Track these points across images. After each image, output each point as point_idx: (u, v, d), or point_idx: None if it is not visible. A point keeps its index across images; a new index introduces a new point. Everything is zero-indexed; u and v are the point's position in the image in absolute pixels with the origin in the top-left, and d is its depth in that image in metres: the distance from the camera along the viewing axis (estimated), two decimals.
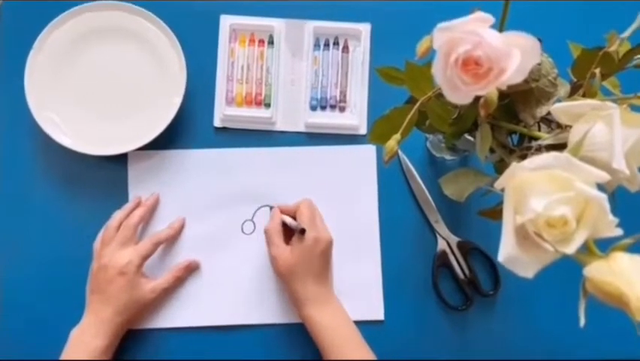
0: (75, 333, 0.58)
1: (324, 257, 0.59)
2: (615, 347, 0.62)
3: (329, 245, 0.59)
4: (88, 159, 0.62)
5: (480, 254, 0.64)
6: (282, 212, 0.61)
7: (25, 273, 0.63)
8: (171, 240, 0.63)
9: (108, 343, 0.57)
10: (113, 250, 0.59)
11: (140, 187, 0.64)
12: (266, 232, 0.60)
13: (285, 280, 0.59)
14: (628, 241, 0.32)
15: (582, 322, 0.31)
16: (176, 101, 0.62)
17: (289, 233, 0.60)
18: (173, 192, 0.64)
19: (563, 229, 0.31)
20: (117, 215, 0.62)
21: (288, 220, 0.60)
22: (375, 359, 0.57)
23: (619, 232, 0.31)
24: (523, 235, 0.33)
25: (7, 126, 0.65)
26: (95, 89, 0.64)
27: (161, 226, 0.64)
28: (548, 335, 0.63)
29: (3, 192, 0.64)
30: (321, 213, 0.63)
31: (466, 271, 0.63)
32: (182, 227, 0.64)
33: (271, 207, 0.64)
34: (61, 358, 0.56)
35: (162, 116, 0.62)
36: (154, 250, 0.61)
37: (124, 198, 0.64)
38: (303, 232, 0.57)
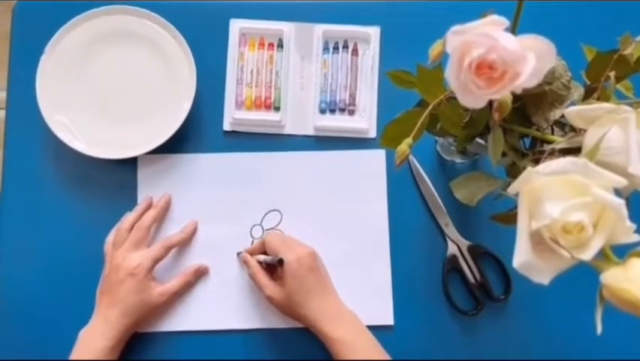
0: (83, 334, 0.58)
1: (314, 272, 0.58)
2: (629, 353, 0.61)
3: (313, 258, 0.58)
4: (98, 163, 0.63)
5: (491, 258, 0.63)
6: (252, 253, 0.61)
7: (36, 275, 0.63)
8: (183, 244, 0.63)
9: (114, 344, 0.57)
10: (126, 252, 0.59)
11: (149, 191, 0.64)
12: (250, 276, 0.60)
13: (289, 313, 0.59)
14: None
15: (599, 329, 0.31)
16: (186, 105, 0.62)
17: (272, 269, 0.60)
18: (182, 196, 0.64)
19: (580, 235, 0.30)
20: (128, 217, 0.62)
21: (262, 258, 0.60)
22: None
23: (636, 238, 0.31)
24: (538, 240, 0.32)
25: (19, 130, 0.65)
26: (106, 93, 0.64)
27: (170, 230, 0.64)
28: (560, 340, 0.62)
29: (15, 195, 0.64)
30: (331, 216, 0.63)
31: (477, 276, 0.63)
32: (194, 231, 0.63)
33: (278, 211, 0.64)
34: (70, 358, 0.56)
35: (172, 120, 0.62)
36: (166, 254, 0.61)
37: (133, 202, 0.64)
38: (281, 262, 0.57)
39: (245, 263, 0.61)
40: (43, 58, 0.63)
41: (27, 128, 0.64)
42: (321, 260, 0.61)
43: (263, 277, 0.59)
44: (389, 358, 0.56)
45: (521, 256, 0.32)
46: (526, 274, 0.32)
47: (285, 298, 0.57)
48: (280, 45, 0.67)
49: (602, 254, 0.32)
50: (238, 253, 0.63)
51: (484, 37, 0.31)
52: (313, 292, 0.57)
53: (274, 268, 0.60)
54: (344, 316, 0.59)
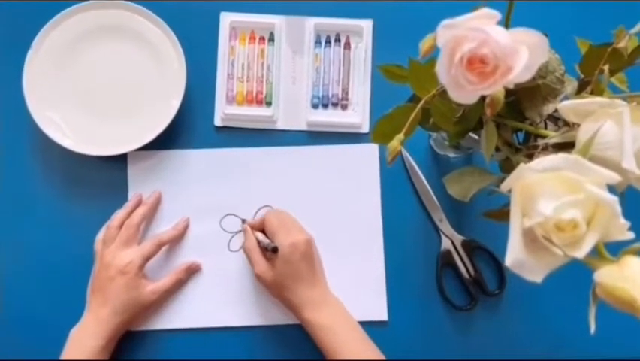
0: (74, 333, 0.58)
1: (307, 259, 0.57)
2: (623, 348, 0.61)
3: (308, 245, 0.58)
4: (88, 160, 0.62)
5: (485, 253, 0.63)
6: (253, 227, 0.61)
7: (26, 273, 0.62)
8: (175, 241, 0.63)
9: (105, 343, 0.56)
10: (116, 249, 0.59)
11: (140, 188, 0.63)
12: (244, 250, 0.60)
13: (275, 293, 0.59)
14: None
15: (592, 329, 0.30)
16: (176, 101, 0.61)
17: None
18: (173, 192, 0.63)
19: (573, 232, 0.30)
20: (118, 214, 0.61)
21: (261, 237, 0.59)
22: (378, 354, 0.56)
23: (630, 235, 0.30)
24: (530, 238, 0.32)
25: (7, 127, 0.64)
26: (95, 88, 0.63)
27: (160, 227, 0.63)
28: (555, 334, 0.62)
29: (3, 193, 0.63)
30: (324, 212, 0.63)
31: (471, 271, 0.62)
32: (186, 228, 0.63)
33: (271, 207, 0.64)
34: (61, 358, 0.56)
35: (162, 116, 0.61)
36: (156, 251, 0.60)
37: (124, 199, 0.63)
38: (275, 250, 0.56)
39: (244, 235, 0.61)
40: (30, 53, 0.61)
41: (15, 126, 0.63)
42: (316, 248, 0.60)
43: (257, 255, 0.58)
44: (372, 344, 0.56)
45: (514, 254, 0.32)
46: (519, 272, 0.32)
47: (273, 280, 0.57)
48: (271, 39, 0.66)
49: (596, 252, 0.32)
50: (243, 221, 0.62)
51: (476, 31, 0.30)
52: (303, 280, 0.57)
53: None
54: (329, 303, 0.59)
